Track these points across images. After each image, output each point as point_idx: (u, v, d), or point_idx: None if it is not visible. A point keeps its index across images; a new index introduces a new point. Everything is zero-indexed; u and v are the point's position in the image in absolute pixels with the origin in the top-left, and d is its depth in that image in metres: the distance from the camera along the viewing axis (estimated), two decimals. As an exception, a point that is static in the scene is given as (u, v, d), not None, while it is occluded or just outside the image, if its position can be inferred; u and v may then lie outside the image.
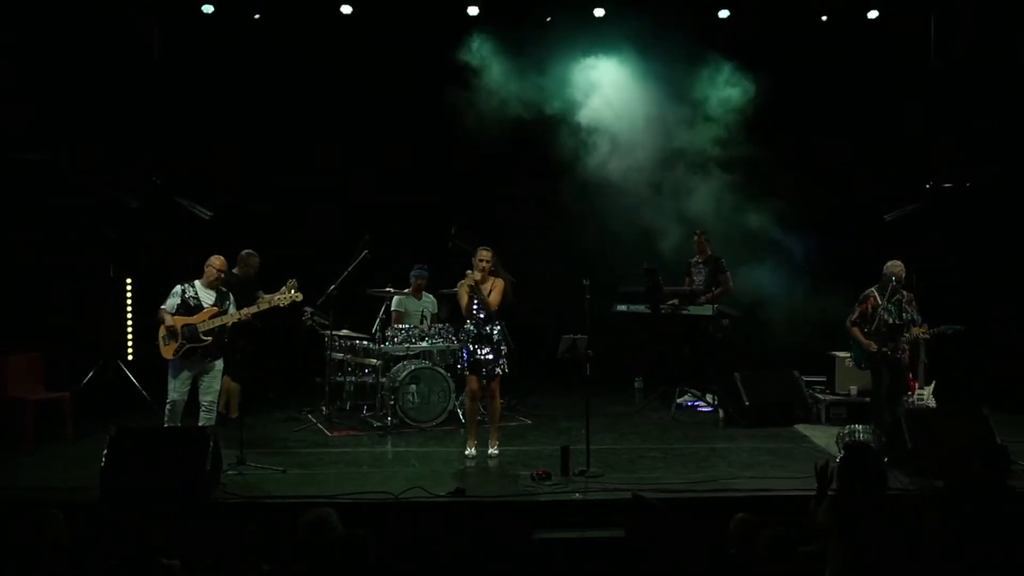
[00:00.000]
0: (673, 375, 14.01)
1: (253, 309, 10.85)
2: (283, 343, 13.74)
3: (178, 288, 10.75)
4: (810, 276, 14.16)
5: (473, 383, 10.98)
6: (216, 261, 10.85)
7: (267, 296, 11.17)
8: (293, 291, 10.98)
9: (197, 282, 10.78)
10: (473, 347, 10.87)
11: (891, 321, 10.96)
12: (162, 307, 10.70)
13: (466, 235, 12.56)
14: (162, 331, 10.58)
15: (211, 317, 10.59)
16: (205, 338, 10.55)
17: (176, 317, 10.56)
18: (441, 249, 13.08)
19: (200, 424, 10.51)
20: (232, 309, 10.82)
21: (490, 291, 10.87)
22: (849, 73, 15.08)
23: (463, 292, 10.91)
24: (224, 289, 10.93)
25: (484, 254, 10.91)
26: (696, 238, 14.25)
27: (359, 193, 15.06)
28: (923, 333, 11.01)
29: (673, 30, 14.13)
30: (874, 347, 10.99)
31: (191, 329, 10.51)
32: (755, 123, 14.73)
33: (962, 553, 6.60)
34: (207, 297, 10.74)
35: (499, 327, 11.00)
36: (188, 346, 10.51)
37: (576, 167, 14.85)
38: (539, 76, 14.66)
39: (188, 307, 10.63)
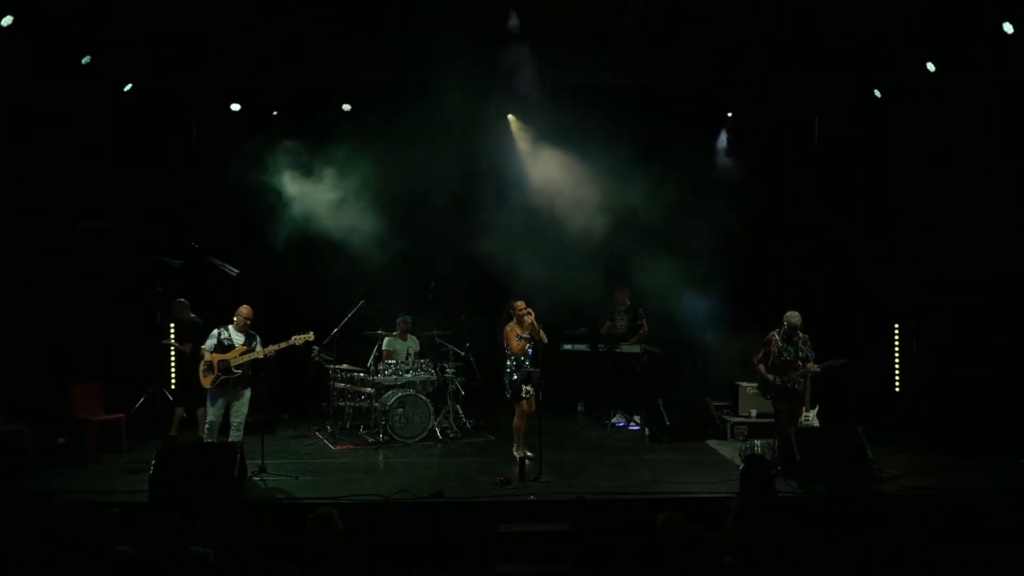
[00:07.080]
0: (608, 400, 14.05)
1: (276, 347, 10.85)
2: (296, 375, 13.67)
3: (215, 332, 10.84)
4: (719, 322, 14.18)
5: (532, 405, 11.09)
6: (244, 310, 10.92)
7: (292, 338, 11.04)
8: (306, 335, 11.00)
9: (230, 326, 10.86)
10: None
11: (790, 359, 10.97)
12: (203, 347, 10.83)
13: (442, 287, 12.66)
14: (202, 366, 10.67)
15: (241, 354, 10.66)
16: (236, 371, 10.63)
17: (214, 355, 10.65)
18: (423, 299, 13.14)
19: (230, 440, 10.54)
20: (259, 347, 10.84)
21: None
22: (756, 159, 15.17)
23: (511, 335, 11.04)
24: (252, 332, 10.94)
25: (520, 303, 11.06)
26: (618, 293, 14.35)
27: (357, 249, 14.93)
28: (815, 368, 10.95)
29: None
30: (778, 381, 11.00)
31: (225, 364, 10.58)
32: (679, 201, 14.55)
33: (839, 545, 6.66)
34: (238, 338, 10.80)
35: None
36: (223, 377, 10.57)
37: (534, 233, 14.79)
38: (499, 159, 14.77)
39: (223, 346, 10.71)
